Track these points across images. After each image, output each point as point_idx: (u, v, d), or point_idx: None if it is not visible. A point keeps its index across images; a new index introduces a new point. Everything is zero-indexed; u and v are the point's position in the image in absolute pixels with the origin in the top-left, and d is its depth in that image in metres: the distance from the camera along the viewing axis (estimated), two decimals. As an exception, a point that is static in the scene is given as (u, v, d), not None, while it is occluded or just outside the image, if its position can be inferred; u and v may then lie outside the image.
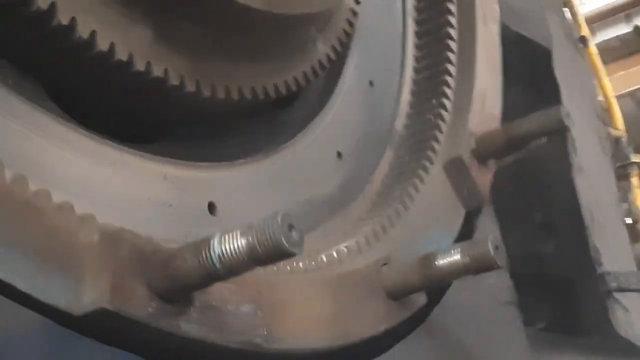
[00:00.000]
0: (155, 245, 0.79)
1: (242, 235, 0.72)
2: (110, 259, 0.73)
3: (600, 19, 5.13)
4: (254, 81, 1.16)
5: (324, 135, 1.36)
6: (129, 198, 0.96)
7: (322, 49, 1.29)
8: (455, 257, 1.03)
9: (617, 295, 1.31)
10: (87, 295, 0.71)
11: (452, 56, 1.56)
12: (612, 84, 1.93)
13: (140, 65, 0.97)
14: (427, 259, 1.05)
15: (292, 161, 1.27)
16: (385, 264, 1.11)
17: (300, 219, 0.83)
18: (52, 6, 0.87)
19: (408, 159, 1.49)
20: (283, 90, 1.19)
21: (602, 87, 1.82)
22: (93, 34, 0.91)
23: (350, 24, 1.36)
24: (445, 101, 1.50)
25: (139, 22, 1.01)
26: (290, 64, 1.23)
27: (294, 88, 1.22)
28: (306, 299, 0.99)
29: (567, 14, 1.90)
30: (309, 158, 1.32)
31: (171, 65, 1.03)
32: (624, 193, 1.68)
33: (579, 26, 1.82)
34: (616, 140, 1.65)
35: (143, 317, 0.74)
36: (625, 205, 1.68)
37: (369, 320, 1.08)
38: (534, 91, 1.65)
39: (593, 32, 2.16)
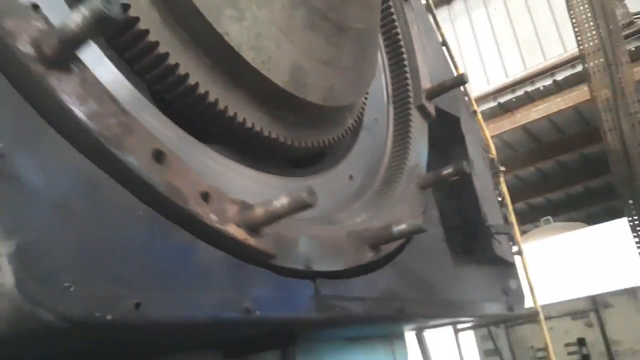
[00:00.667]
0: None
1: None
2: None
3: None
4: (316, 138, 1.80)
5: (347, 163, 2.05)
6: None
7: (350, 120, 1.98)
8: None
9: (495, 235, 2.37)
10: None
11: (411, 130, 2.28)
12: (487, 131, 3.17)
13: (265, 133, 1.59)
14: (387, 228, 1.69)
15: (334, 176, 1.96)
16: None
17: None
18: (217, 101, 1.45)
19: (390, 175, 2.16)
20: (329, 143, 1.86)
21: (484, 134, 3.04)
22: (241, 117, 1.52)
23: (364, 103, 2.12)
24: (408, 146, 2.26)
25: (263, 108, 1.60)
26: (333, 129, 1.89)
27: (333, 142, 1.89)
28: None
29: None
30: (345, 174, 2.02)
31: (280, 131, 1.64)
32: (496, 185, 2.82)
33: (471, 104, 3.08)
34: (491, 160, 2.84)
35: None
36: (497, 192, 2.81)
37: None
38: (448, 141, 2.60)
39: (478, 105, 3.43)
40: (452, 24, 10.10)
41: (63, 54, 1.00)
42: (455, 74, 3.10)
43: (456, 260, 2.25)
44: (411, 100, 2.40)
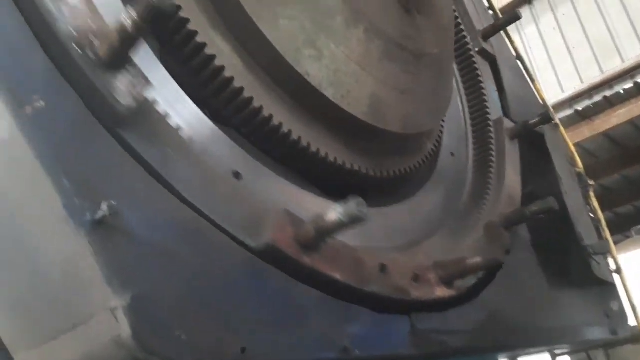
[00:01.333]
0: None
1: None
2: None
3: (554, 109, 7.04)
4: (397, 166, 1.79)
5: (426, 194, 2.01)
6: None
7: (429, 146, 1.96)
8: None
9: (593, 255, 2.23)
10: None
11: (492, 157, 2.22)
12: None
13: (348, 165, 1.60)
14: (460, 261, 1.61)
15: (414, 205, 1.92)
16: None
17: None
18: (299, 139, 1.47)
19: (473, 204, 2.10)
20: (410, 170, 1.83)
21: (569, 147, 2.91)
22: (323, 152, 1.53)
23: (442, 126, 2.11)
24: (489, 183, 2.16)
25: (344, 141, 1.61)
26: (413, 156, 1.87)
27: (414, 169, 1.86)
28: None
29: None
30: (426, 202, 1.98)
31: (362, 163, 1.64)
32: (586, 200, 2.66)
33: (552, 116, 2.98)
34: (579, 174, 2.68)
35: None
36: (588, 208, 2.65)
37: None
38: (533, 157, 2.46)
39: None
40: (519, 34, 9.83)
41: (117, 54, 1.02)
42: (533, 88, 3.01)
43: (552, 284, 2.15)
44: (490, 119, 2.34)
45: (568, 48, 9.48)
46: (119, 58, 1.01)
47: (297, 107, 1.52)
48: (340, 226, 1.14)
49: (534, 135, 2.48)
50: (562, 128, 2.97)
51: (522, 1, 9.93)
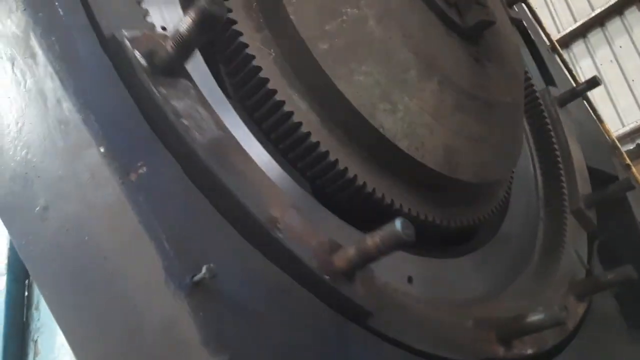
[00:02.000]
0: None
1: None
2: None
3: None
4: (469, 216, 1.77)
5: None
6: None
7: (501, 193, 1.94)
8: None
9: None
10: None
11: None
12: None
13: (422, 217, 1.58)
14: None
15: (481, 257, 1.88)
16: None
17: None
18: (374, 191, 1.48)
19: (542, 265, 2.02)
20: (482, 219, 1.80)
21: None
22: (398, 204, 1.53)
23: (512, 172, 2.08)
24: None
25: (417, 192, 1.60)
26: (486, 204, 1.86)
27: (487, 218, 1.83)
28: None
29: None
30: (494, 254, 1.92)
31: (435, 213, 1.63)
32: None
33: (623, 157, 2.89)
34: None
35: None
36: None
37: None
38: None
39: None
40: (574, 66, 9.66)
41: (175, 63, 1.05)
42: (602, 129, 2.93)
43: (635, 338, 2.03)
44: (566, 203, 2.25)
45: (627, 81, 9.23)
46: (174, 66, 1.04)
47: (371, 160, 1.54)
48: (385, 251, 1.08)
49: (606, 177, 2.40)
50: (634, 169, 2.87)
51: (576, 35, 9.80)
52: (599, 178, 2.43)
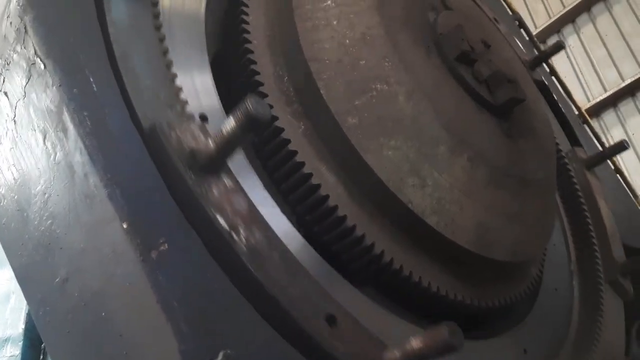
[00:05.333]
0: None
1: None
2: None
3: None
4: (501, 295, 1.69)
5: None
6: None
7: (534, 271, 1.86)
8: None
9: None
10: None
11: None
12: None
13: (451, 296, 1.52)
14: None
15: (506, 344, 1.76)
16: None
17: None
18: (401, 268, 1.43)
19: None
20: (514, 299, 1.73)
21: None
22: (426, 282, 1.47)
23: (543, 258, 1.99)
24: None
25: (447, 269, 1.54)
26: (518, 284, 1.79)
27: (519, 298, 1.76)
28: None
29: None
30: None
31: (465, 292, 1.55)
32: None
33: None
34: None
35: None
36: None
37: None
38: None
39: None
40: (605, 135, 9.57)
41: (216, 161, 1.03)
42: (635, 202, 2.84)
43: None
44: (600, 273, 2.17)
45: (660, 152, 9.09)
46: (216, 165, 1.04)
47: (400, 236, 1.50)
48: (432, 356, 1.02)
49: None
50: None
51: (605, 104, 9.76)
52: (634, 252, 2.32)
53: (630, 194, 2.90)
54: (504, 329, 1.81)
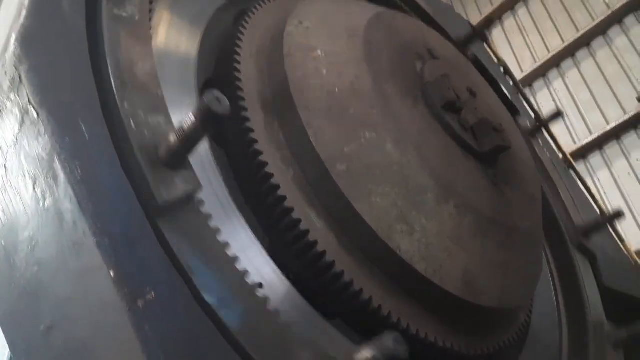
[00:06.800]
0: None
1: None
2: None
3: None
4: (488, 342, 1.67)
5: None
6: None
7: (522, 318, 1.86)
8: None
9: None
10: None
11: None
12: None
13: (439, 343, 1.50)
14: None
15: None
16: None
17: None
18: (389, 314, 1.41)
19: None
20: (503, 346, 1.70)
21: None
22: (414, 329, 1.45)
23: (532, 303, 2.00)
24: None
25: (435, 317, 1.52)
26: (506, 331, 1.78)
27: (508, 344, 1.74)
28: None
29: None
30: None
31: (453, 340, 1.54)
32: None
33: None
34: None
35: None
36: None
37: None
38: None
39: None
40: (591, 177, 9.68)
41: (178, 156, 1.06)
42: (624, 250, 2.87)
43: None
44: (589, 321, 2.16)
45: (646, 194, 9.18)
46: (178, 161, 1.06)
47: (388, 283, 1.50)
48: None
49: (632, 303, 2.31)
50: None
51: (591, 146, 9.92)
52: (626, 303, 2.33)
53: (616, 238, 2.93)
54: None
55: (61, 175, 0.99)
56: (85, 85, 1.08)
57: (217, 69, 1.67)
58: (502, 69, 3.18)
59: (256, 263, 1.37)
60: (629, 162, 9.55)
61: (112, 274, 0.95)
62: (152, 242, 1.01)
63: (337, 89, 1.53)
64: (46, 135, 1.01)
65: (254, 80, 1.56)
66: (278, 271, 1.39)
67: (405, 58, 1.75)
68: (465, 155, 1.69)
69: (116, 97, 1.10)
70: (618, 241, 2.98)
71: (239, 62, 1.56)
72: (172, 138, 1.03)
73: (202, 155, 1.42)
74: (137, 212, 1.01)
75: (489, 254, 1.62)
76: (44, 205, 1.03)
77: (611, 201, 9.34)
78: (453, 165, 1.63)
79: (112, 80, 1.10)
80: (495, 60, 3.14)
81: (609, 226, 2.71)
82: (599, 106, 9.91)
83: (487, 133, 1.69)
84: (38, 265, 1.06)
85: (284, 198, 1.44)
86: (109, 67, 1.14)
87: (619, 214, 2.44)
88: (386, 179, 1.51)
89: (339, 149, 1.48)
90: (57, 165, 1.00)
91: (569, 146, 9.20)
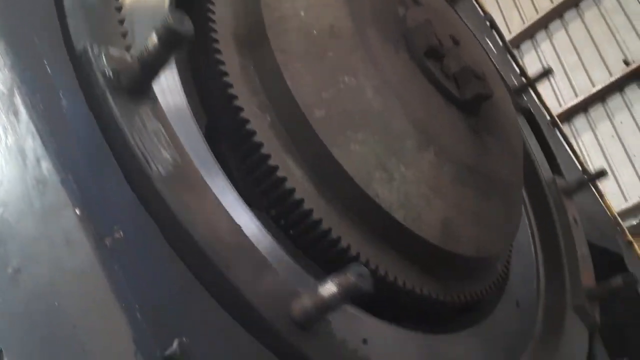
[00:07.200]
0: None
1: None
2: None
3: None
4: (467, 291, 1.69)
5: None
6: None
7: (499, 269, 1.87)
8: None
9: None
10: None
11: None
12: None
13: (417, 290, 1.51)
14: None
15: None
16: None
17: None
18: (367, 262, 1.41)
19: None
20: (480, 295, 1.73)
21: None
22: (392, 276, 1.46)
23: (511, 248, 2.02)
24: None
25: (414, 265, 1.53)
26: (484, 280, 1.80)
27: (485, 293, 1.76)
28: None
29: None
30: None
31: (432, 287, 1.55)
32: None
33: (624, 234, 2.85)
34: None
35: None
36: None
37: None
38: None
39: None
40: (575, 140, 9.75)
41: (141, 82, 1.02)
42: (603, 205, 2.89)
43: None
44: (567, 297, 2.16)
45: (629, 156, 9.27)
46: (141, 88, 1.02)
47: (366, 230, 1.49)
48: (340, 301, 1.01)
49: (608, 255, 2.34)
50: (636, 247, 2.81)
51: (576, 109, 9.95)
52: (603, 256, 2.35)
53: (596, 193, 2.95)
54: (468, 325, 1.80)
55: (22, 111, 0.95)
56: (46, 14, 1.03)
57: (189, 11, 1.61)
58: (488, 24, 3.12)
59: (231, 210, 1.34)
60: (612, 124, 9.62)
61: (77, 211, 0.92)
62: (119, 179, 0.98)
63: (315, 32, 1.49)
64: (5, 69, 0.96)
65: (229, 23, 1.51)
66: (255, 218, 1.37)
67: (388, 2, 1.70)
68: (447, 103, 1.67)
69: (79, 29, 1.04)
70: (599, 198, 3.00)
71: (212, 3, 1.51)
72: (136, 65, 0.98)
73: (174, 92, 1.36)
74: (103, 147, 0.98)
75: (468, 203, 1.61)
76: (5, 143, 0.99)
77: (594, 164, 9.42)
78: (434, 113, 1.61)
79: (74, 11, 1.05)
80: (482, 13, 3.08)
81: (590, 185, 2.72)
82: (585, 68, 9.90)
83: (469, 80, 1.66)
84: (4, 206, 1.03)
85: (260, 144, 1.41)
86: None
87: (602, 173, 2.44)
88: (365, 125, 1.48)
89: (317, 94, 1.44)
90: (18, 100, 0.95)
91: (554, 109, 9.20)
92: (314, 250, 1.46)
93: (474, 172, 1.62)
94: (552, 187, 2.42)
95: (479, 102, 1.71)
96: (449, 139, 1.61)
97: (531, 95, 3.11)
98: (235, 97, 1.40)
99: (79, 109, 0.99)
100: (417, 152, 1.53)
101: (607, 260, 2.39)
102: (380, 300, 1.54)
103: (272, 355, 1.01)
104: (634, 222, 8.52)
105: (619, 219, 2.98)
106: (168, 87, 1.30)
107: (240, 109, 1.40)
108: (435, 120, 1.60)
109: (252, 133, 1.40)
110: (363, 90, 1.49)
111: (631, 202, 8.85)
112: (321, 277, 1.38)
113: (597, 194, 2.97)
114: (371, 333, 1.40)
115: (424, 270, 1.59)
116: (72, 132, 0.97)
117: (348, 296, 0.99)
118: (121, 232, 0.94)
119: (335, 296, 0.99)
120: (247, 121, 1.40)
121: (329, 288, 0.98)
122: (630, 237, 2.91)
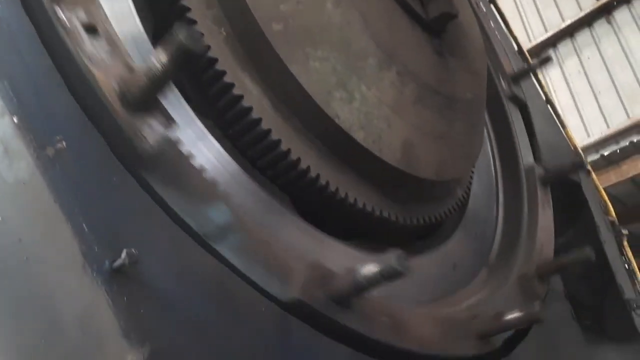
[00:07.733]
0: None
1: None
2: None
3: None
4: (427, 213, 1.70)
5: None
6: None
7: (459, 193, 1.88)
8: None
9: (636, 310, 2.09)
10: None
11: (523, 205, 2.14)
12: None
13: (377, 212, 1.51)
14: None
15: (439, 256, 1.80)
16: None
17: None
18: (327, 184, 1.40)
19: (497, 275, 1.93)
20: (440, 218, 1.75)
21: (601, 195, 2.80)
22: (352, 198, 1.45)
23: (472, 173, 2.02)
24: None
25: (374, 187, 1.53)
26: (443, 203, 1.80)
27: (444, 217, 1.78)
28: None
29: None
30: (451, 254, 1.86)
31: (391, 209, 1.56)
32: (621, 250, 2.52)
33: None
34: (612, 222, 2.55)
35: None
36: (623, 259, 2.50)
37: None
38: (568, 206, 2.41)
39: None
40: (543, 77, 9.79)
41: (147, 96, 0.99)
42: (565, 134, 2.93)
43: (588, 340, 2.01)
44: (521, 166, 2.25)
45: (594, 92, 9.41)
46: (147, 101, 0.98)
47: (326, 152, 1.46)
48: (378, 282, 1.07)
49: (566, 183, 2.39)
50: (594, 175, 2.87)
51: (546, 44, 9.95)
52: (563, 186, 2.40)
53: (558, 123, 2.98)
54: (436, 243, 1.85)
55: None
56: None
57: None
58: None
59: (190, 135, 1.29)
60: (580, 60, 9.68)
61: (15, 119, 0.87)
62: (61, 90, 0.93)
63: (273, -61, 1.40)
64: None
65: None
66: (209, 135, 1.33)
67: None
68: (411, 23, 1.62)
69: None
70: (562, 129, 3.03)
71: None
72: None
73: (126, 11, 1.29)
74: (42, 54, 0.92)
75: (429, 125, 1.60)
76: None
77: (560, 100, 9.55)
78: (397, 32, 1.56)
79: None
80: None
81: (532, 74, 2.74)
82: (556, 3, 9.83)
83: (434, 0, 1.61)
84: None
85: (214, 60, 1.35)
86: None
87: (546, 59, 2.44)
88: (325, 41, 1.43)
89: (275, 7, 1.38)
90: None
91: (524, 44, 9.17)
92: (273, 173, 1.44)
93: (436, 93, 1.60)
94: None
95: (444, 22, 1.67)
96: (412, 59, 1.58)
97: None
98: (187, 9, 1.32)
99: (17, 14, 0.92)
100: (379, 71, 1.50)
101: (567, 190, 2.42)
102: (340, 222, 1.57)
103: (221, 265, 1.01)
104: (595, 157, 8.77)
105: (579, 148, 3.03)
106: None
107: (193, 22, 1.33)
108: (398, 39, 1.55)
109: (206, 48, 1.34)
110: (323, 4, 1.43)
111: (593, 138, 9.05)
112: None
113: (559, 125, 3.00)
114: (327, 252, 1.42)
115: (384, 194, 1.59)
116: (7, 36, 0.90)
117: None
118: (64, 142, 0.90)
119: None
120: (200, 35, 1.33)
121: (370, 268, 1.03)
122: (589, 167, 2.97)
